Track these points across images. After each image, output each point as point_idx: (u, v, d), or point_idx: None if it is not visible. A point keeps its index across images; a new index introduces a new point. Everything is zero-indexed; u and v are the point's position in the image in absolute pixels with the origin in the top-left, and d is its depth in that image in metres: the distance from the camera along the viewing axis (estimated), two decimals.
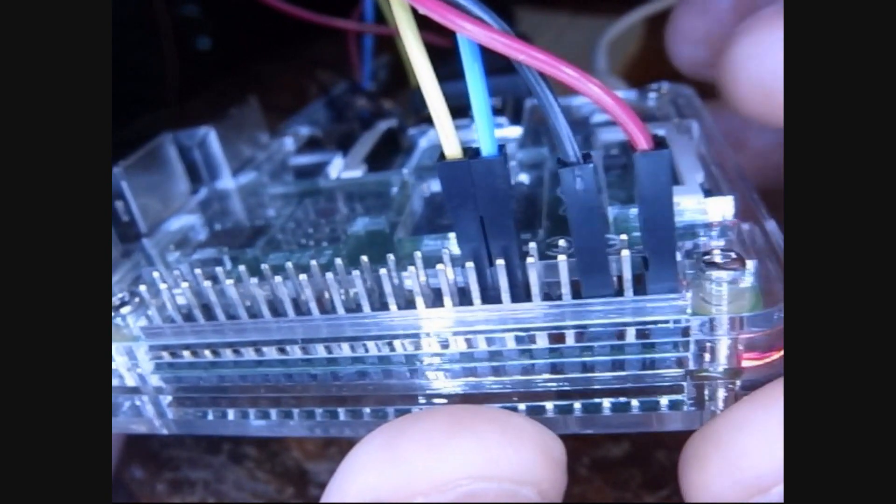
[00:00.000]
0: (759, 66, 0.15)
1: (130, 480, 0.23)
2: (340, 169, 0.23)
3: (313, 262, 0.15)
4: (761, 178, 0.21)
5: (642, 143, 0.12)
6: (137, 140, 0.22)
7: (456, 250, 0.15)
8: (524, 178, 0.21)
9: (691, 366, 0.14)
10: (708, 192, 0.17)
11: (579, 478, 0.23)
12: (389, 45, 0.28)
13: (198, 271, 0.16)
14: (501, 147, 0.13)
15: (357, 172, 0.22)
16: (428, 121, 0.23)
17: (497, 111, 0.24)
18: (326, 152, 0.24)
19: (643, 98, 0.24)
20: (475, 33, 0.12)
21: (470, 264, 0.14)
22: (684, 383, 0.14)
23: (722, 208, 0.16)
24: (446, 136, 0.13)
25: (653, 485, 0.24)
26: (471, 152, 0.13)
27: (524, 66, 0.12)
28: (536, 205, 0.18)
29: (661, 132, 0.21)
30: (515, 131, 0.23)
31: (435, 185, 0.21)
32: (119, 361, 0.16)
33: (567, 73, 0.12)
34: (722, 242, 0.16)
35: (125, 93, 0.22)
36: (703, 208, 0.16)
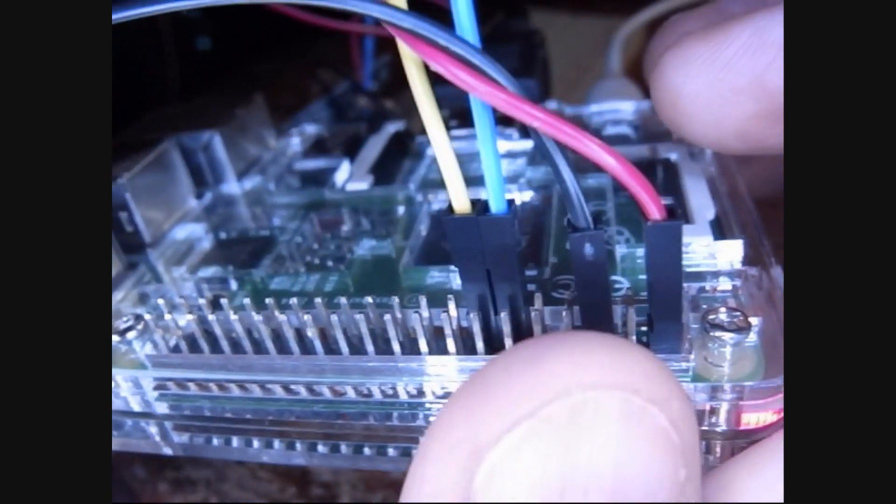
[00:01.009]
0: (670, 78, 0.15)
1: (132, 480, 0.23)
2: (347, 177, 0.22)
3: (318, 301, 0.15)
4: (773, 189, 0.21)
5: (654, 213, 0.12)
6: (140, 139, 0.21)
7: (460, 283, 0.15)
8: (533, 196, 0.20)
9: None
10: (718, 232, 0.17)
11: None
12: (390, 45, 0.27)
13: (202, 301, 0.16)
14: (510, 203, 0.13)
15: (363, 185, 0.22)
16: None
17: (507, 121, 0.23)
18: (333, 157, 0.23)
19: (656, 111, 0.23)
20: (489, 95, 0.12)
21: (474, 315, 0.14)
22: None
23: (730, 253, 0.16)
24: (455, 191, 0.13)
25: None
26: (479, 207, 0.13)
27: (537, 132, 0.12)
28: (543, 234, 0.18)
29: (673, 156, 0.20)
30: (526, 144, 0.22)
31: (442, 201, 0.21)
32: (124, 387, 0.16)
33: (585, 144, 0.11)
34: (729, 286, 0.16)
35: (125, 94, 0.21)
36: (711, 252, 0.16)
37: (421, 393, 0.15)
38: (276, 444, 0.16)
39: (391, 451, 0.16)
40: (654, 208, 0.12)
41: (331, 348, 0.15)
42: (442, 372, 0.15)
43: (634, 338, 0.14)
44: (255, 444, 0.16)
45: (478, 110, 0.12)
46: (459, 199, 0.13)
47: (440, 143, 0.13)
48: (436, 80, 0.13)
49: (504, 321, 0.14)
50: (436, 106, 0.12)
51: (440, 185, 0.21)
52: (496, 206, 0.13)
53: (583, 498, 0.09)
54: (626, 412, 0.09)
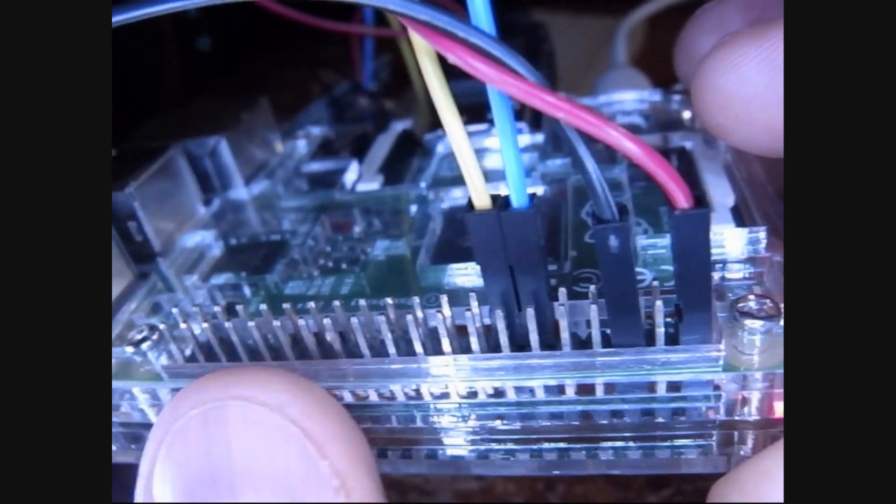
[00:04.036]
0: (721, 81, 0.15)
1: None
2: (356, 178, 0.22)
3: (336, 303, 0.15)
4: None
5: (682, 201, 0.12)
6: (145, 146, 0.21)
7: (479, 281, 0.15)
8: (546, 190, 0.20)
9: (722, 416, 0.14)
10: (739, 219, 0.16)
11: (583, 477, 0.23)
12: (390, 45, 0.27)
13: (218, 308, 0.16)
14: (532, 197, 0.13)
15: (374, 185, 0.21)
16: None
17: (517, 114, 0.23)
18: (340, 158, 0.23)
19: (667, 100, 0.23)
20: (508, 86, 0.11)
21: (498, 312, 0.14)
22: (714, 431, 0.14)
23: (753, 240, 0.16)
24: (475, 187, 0.13)
25: (656, 485, 0.24)
26: (500, 202, 0.13)
27: (558, 122, 0.12)
28: (560, 227, 0.18)
29: (688, 144, 0.20)
30: (536, 138, 0.22)
31: (454, 199, 0.20)
32: (141, 399, 0.16)
33: (610, 134, 0.11)
34: (753, 274, 0.15)
35: (125, 94, 0.21)
36: (733, 239, 0.16)
37: (445, 395, 0.15)
38: None
39: (416, 458, 0.15)
40: (681, 196, 0.12)
41: (351, 351, 0.15)
42: (466, 374, 0.14)
43: (662, 329, 0.13)
44: None
45: (496, 102, 0.12)
46: (479, 195, 0.13)
47: (457, 136, 0.12)
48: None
49: (529, 317, 0.14)
50: (451, 99, 0.12)
51: (451, 182, 0.21)
52: (518, 201, 0.13)
53: (229, 491, 0.11)
54: (241, 415, 0.12)
